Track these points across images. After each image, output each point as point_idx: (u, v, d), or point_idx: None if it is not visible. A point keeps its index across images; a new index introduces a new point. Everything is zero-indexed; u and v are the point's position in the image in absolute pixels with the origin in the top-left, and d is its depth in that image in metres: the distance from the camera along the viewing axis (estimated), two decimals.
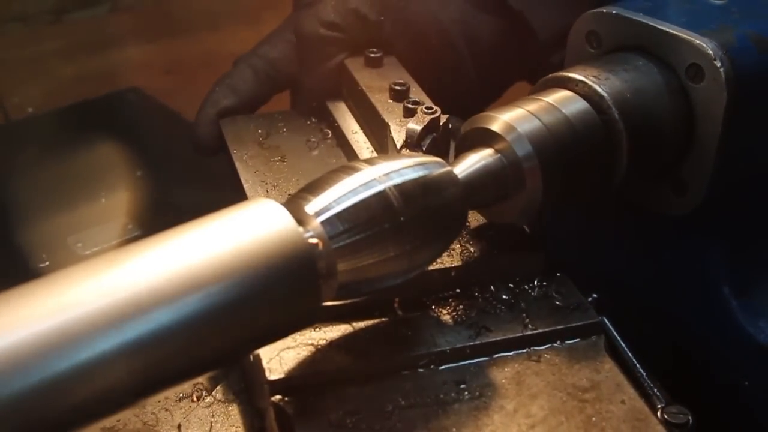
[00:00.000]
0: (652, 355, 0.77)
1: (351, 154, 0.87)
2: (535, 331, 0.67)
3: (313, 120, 0.95)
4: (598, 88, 0.70)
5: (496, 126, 0.67)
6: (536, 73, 1.03)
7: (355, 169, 0.60)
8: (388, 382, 0.62)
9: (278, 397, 0.61)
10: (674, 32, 0.72)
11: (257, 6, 1.80)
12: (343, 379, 0.62)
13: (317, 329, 0.65)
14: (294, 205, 0.58)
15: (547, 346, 0.67)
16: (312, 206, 0.58)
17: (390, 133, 0.78)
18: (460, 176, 0.65)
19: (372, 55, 0.92)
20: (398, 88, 0.85)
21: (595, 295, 0.72)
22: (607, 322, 0.70)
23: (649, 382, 0.70)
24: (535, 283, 0.72)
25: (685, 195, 0.75)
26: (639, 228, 0.84)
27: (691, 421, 0.66)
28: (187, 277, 0.51)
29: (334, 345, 0.64)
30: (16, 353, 0.46)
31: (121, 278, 0.50)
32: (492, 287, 0.71)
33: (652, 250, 0.83)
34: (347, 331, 0.66)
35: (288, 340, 0.63)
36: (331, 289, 0.58)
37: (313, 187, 0.60)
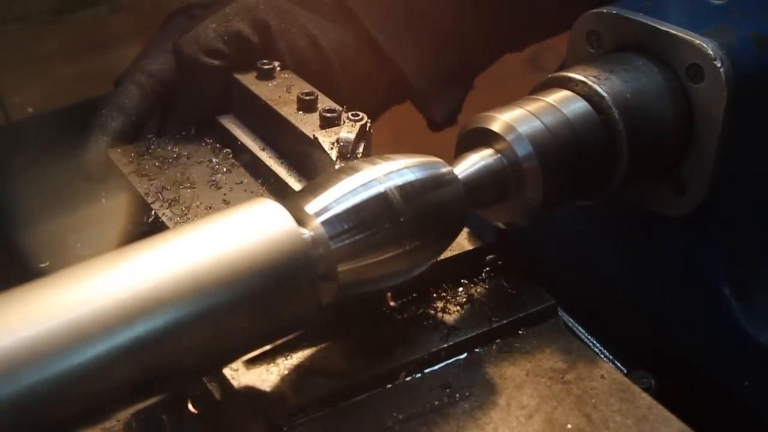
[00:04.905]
0: (651, 354, 0.77)
1: (263, 171, 0.82)
2: (500, 323, 0.68)
3: (208, 140, 0.89)
4: (598, 88, 0.70)
5: (496, 126, 0.67)
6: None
7: (355, 169, 0.60)
8: (377, 398, 0.62)
9: None
10: (674, 32, 0.72)
11: None
12: (331, 402, 0.61)
13: (288, 357, 0.63)
14: (294, 205, 0.58)
15: (512, 335, 0.68)
16: (312, 206, 0.58)
17: (321, 146, 0.75)
18: (460, 176, 0.65)
19: (265, 67, 0.88)
20: (307, 98, 0.81)
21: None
22: None
23: (607, 353, 0.71)
24: (484, 275, 0.72)
25: (685, 195, 0.75)
26: (639, 228, 0.84)
27: (653, 385, 0.70)
28: (187, 277, 0.51)
29: (311, 369, 0.63)
30: (17, 353, 0.46)
31: (121, 278, 0.50)
32: (444, 285, 0.71)
33: (652, 250, 0.83)
34: (318, 354, 0.64)
35: (263, 373, 0.62)
36: (330, 289, 0.58)
37: (313, 187, 0.60)
